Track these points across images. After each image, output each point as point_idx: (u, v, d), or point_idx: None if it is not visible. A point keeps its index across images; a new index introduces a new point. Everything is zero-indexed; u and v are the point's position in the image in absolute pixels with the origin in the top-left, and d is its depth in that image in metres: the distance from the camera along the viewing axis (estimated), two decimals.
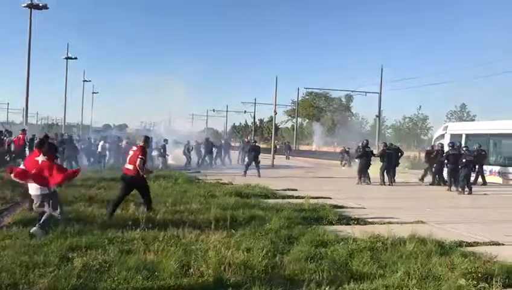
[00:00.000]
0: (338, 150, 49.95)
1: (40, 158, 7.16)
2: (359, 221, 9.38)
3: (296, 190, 14.77)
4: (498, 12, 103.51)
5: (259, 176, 19.71)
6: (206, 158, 27.12)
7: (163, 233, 6.99)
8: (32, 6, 36.63)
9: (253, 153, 21.48)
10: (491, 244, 7.68)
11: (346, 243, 6.57)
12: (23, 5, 36.84)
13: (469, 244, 7.50)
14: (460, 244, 7.39)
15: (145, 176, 9.21)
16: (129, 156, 9.21)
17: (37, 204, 7.31)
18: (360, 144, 20.11)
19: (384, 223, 9.29)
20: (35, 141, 24.52)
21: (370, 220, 9.59)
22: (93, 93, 70.39)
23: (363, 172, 19.08)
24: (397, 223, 9.43)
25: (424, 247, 6.57)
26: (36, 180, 6.94)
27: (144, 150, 9.14)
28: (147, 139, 9.75)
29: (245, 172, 20.31)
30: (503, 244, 7.73)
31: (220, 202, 10.51)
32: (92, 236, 6.74)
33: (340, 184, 18.64)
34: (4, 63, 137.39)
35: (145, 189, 9.33)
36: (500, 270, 5.34)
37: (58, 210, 7.24)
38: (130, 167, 8.99)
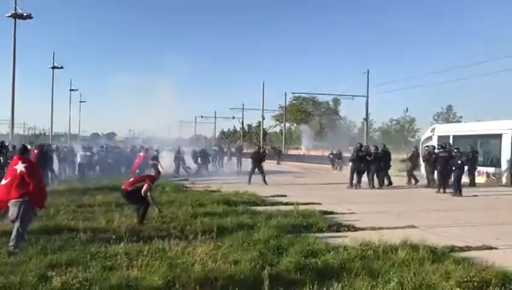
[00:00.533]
0: (326, 153, 50.00)
1: (19, 166, 6.79)
2: (349, 227, 9.22)
3: (286, 196, 14.60)
4: (484, 11, 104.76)
5: (265, 183, 19.09)
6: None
7: (148, 246, 6.75)
8: (16, 16, 36.17)
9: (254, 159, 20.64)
10: (483, 249, 7.55)
11: (337, 252, 6.39)
12: (7, 15, 36.38)
13: (461, 249, 7.37)
14: (452, 249, 7.25)
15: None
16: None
17: (14, 214, 6.84)
18: (354, 148, 19.97)
19: (375, 229, 9.14)
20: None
21: (361, 226, 9.44)
22: (80, 102, 69.71)
23: (359, 176, 18.86)
24: (388, 228, 9.29)
25: (416, 254, 6.41)
26: (10, 193, 6.59)
27: (153, 178, 9.70)
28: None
29: (249, 180, 19.62)
30: (496, 248, 7.62)
31: (207, 210, 10.31)
32: (74, 251, 6.48)
33: (329, 189, 18.51)
34: None
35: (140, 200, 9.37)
36: (496, 277, 5.20)
37: (20, 231, 6.72)
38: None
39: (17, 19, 35.81)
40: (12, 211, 6.79)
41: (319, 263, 5.86)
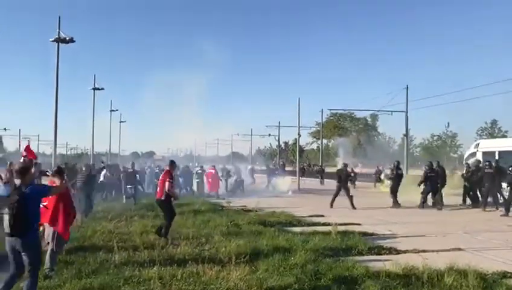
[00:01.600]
0: (365, 170, 48.85)
1: None
2: (391, 250, 8.80)
3: (323, 216, 14.25)
4: None
5: (353, 207, 17.13)
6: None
7: (182, 270, 6.60)
8: (59, 41, 37.63)
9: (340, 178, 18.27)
10: None
11: (378, 279, 6.04)
12: (50, 40, 37.90)
13: None
14: (504, 275, 6.75)
15: (173, 199, 10.25)
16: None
17: (49, 237, 6.84)
18: (392, 165, 19.27)
19: (418, 252, 8.71)
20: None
21: (403, 248, 8.99)
22: (120, 122, 71.36)
23: (395, 194, 18.20)
24: (432, 251, 8.82)
25: (465, 280, 5.98)
26: (44, 217, 6.57)
27: (170, 174, 10.25)
28: (173, 164, 11.03)
29: (331, 204, 17.32)
30: None
31: (243, 231, 10.11)
32: (108, 275, 6.41)
33: (370, 209, 17.91)
34: (33, 95, 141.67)
35: (168, 213, 10.00)
36: None
37: (54, 254, 6.68)
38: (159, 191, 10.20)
39: (60, 43, 37.30)
40: (47, 232, 6.83)
41: None
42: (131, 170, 20.25)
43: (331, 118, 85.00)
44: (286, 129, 72.87)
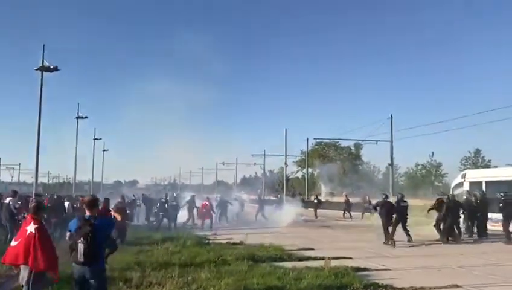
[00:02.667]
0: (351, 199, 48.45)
1: (30, 227, 6.22)
2: (387, 288, 8.40)
3: (313, 249, 13.85)
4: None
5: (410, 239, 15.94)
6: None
7: None
8: (43, 69, 37.27)
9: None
10: None
11: None
12: (35, 68, 37.50)
13: None
14: None
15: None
16: None
17: (24, 279, 6.27)
18: (384, 196, 17.60)
19: (415, 289, 8.35)
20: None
21: (399, 285, 8.60)
22: (103, 150, 70.44)
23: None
24: (429, 288, 8.47)
25: None
26: (18, 257, 6.06)
27: None
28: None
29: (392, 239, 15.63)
30: None
31: (231, 269, 9.62)
32: None
33: (358, 240, 17.56)
34: (15, 124, 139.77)
35: None
36: None
37: None
38: None
39: (44, 72, 36.93)
40: (23, 275, 6.27)
41: None
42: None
43: (316, 147, 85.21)
44: (272, 158, 72.66)
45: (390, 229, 16.04)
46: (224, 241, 15.53)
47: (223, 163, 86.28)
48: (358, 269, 10.17)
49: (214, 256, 11.22)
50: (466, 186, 22.86)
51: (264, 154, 73.18)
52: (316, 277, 8.81)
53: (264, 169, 78.37)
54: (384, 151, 51.14)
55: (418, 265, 11.36)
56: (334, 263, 10.38)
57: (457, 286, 8.70)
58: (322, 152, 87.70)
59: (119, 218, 6.65)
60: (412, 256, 13.07)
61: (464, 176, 24.54)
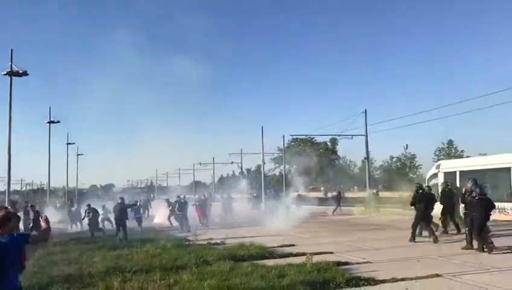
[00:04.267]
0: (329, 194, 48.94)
1: None
2: (369, 281, 8.43)
3: (294, 245, 13.85)
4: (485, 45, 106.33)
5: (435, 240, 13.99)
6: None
7: None
8: (12, 74, 36.35)
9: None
10: None
11: None
12: (2, 73, 36.54)
13: None
14: None
15: None
16: None
17: None
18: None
19: (397, 280, 8.46)
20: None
21: (381, 277, 8.66)
22: (77, 155, 69.12)
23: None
24: (411, 278, 8.57)
25: None
26: None
27: None
28: None
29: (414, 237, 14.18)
30: None
31: (213, 269, 9.54)
32: None
33: (337, 234, 17.70)
34: None
35: None
36: None
37: None
38: None
39: (13, 77, 36.06)
40: None
41: None
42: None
43: (292, 143, 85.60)
44: (249, 156, 72.59)
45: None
46: (204, 242, 15.41)
47: (200, 163, 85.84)
48: (339, 263, 10.22)
49: (195, 258, 11.11)
50: (440, 177, 23.36)
51: (241, 153, 73.20)
52: (299, 273, 8.82)
53: (241, 167, 78.31)
54: (359, 145, 51.82)
55: (398, 257, 11.51)
56: (315, 258, 10.39)
57: (438, 275, 8.84)
58: (298, 148, 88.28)
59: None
60: (390, 248, 13.21)
61: (438, 167, 25.06)
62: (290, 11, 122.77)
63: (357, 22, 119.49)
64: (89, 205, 22.34)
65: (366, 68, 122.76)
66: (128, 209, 20.83)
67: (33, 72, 37.69)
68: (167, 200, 25.51)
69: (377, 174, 72.74)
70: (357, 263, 10.54)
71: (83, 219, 22.95)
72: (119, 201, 19.92)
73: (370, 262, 10.71)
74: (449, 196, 16.61)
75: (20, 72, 37.48)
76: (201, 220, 24.22)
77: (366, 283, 8.30)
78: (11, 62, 36.34)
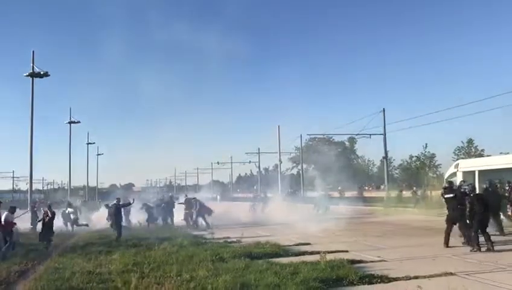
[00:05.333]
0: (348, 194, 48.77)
1: None
2: (383, 278, 8.52)
3: (310, 244, 13.97)
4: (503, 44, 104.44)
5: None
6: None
7: None
8: (34, 75, 37.28)
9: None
10: None
11: None
12: (25, 74, 37.50)
13: None
14: None
15: None
16: None
17: None
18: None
19: (410, 278, 8.53)
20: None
21: (394, 275, 8.74)
22: (97, 155, 70.42)
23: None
24: (424, 276, 8.62)
25: None
26: None
27: None
28: None
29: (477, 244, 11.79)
30: None
31: (229, 266, 9.73)
32: None
33: (357, 235, 17.69)
34: (8, 131, 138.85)
35: None
36: None
37: None
38: None
39: (34, 78, 36.97)
40: None
41: None
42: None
43: (310, 142, 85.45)
44: (266, 156, 72.83)
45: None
46: (221, 241, 15.63)
47: (218, 163, 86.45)
48: (353, 262, 10.31)
49: (210, 255, 11.32)
50: (459, 176, 23.11)
51: (259, 152, 73.45)
52: (312, 270, 8.94)
53: (259, 167, 78.50)
54: (378, 144, 51.67)
55: (413, 255, 11.51)
56: (330, 256, 10.49)
57: (451, 274, 8.86)
58: (316, 148, 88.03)
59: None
60: (407, 246, 13.22)
61: (457, 166, 24.79)
62: (303, 4, 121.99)
63: (374, 19, 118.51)
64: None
65: (385, 66, 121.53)
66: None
67: (52, 70, 38.47)
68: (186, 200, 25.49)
69: (396, 173, 72.14)
70: (372, 261, 10.60)
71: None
72: (115, 201, 19.33)
73: (385, 260, 10.76)
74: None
75: (41, 73, 38.47)
76: (188, 221, 23.43)
77: (379, 281, 8.39)
78: (33, 63, 37.26)
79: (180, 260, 10.78)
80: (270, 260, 10.77)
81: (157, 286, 8.13)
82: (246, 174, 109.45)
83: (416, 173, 62.73)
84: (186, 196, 26.56)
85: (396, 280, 8.44)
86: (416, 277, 8.59)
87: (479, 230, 11.94)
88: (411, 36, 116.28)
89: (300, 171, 70.09)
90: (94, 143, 64.72)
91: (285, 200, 37.24)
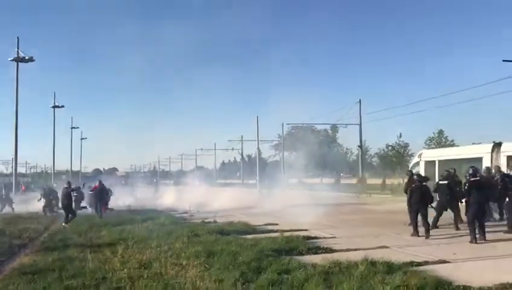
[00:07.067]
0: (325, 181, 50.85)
1: None
2: (327, 250, 10.33)
3: (277, 224, 15.67)
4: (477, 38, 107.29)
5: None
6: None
7: (148, 271, 7.96)
8: (18, 60, 38.18)
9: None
10: (438, 263, 8.71)
11: (306, 270, 7.57)
12: (10, 59, 38.35)
13: (419, 264, 8.51)
14: (411, 264, 8.39)
15: None
16: None
17: None
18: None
19: (350, 250, 10.28)
20: None
21: (338, 248, 10.56)
22: (81, 139, 71.43)
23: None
24: (363, 249, 10.37)
25: (375, 268, 7.59)
26: None
27: None
28: None
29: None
30: (449, 262, 8.80)
31: (201, 240, 11.48)
32: (85, 277, 7.69)
33: (320, 216, 19.45)
34: None
35: None
36: (428, 285, 6.40)
37: None
38: None
39: (19, 63, 37.91)
40: None
41: (289, 278, 7.03)
42: None
43: (293, 131, 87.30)
44: (251, 143, 74.54)
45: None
46: (199, 221, 17.36)
47: (201, 149, 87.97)
48: (309, 238, 12.11)
49: (187, 231, 13.05)
50: (422, 166, 25.06)
51: (242, 140, 75.17)
52: (270, 243, 10.73)
53: (242, 154, 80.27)
54: (357, 133, 53.74)
55: (363, 233, 13.35)
56: (290, 233, 12.23)
57: (385, 247, 10.70)
58: (298, 136, 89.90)
59: None
60: (362, 227, 15.02)
61: (420, 155, 26.74)
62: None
63: (352, 9, 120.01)
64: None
65: (364, 58, 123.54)
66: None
67: (36, 56, 39.33)
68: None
69: (373, 162, 74.44)
70: (324, 238, 12.43)
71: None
72: (66, 186, 19.14)
73: (335, 237, 12.58)
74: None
75: (26, 58, 39.32)
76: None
77: (323, 251, 10.19)
78: (18, 48, 38.10)
79: (160, 236, 12.48)
80: (238, 236, 12.52)
81: (139, 254, 9.83)
82: (229, 160, 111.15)
83: (393, 161, 65.06)
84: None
85: (338, 251, 10.21)
86: (356, 249, 10.37)
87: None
88: (391, 28, 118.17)
89: (282, 159, 72.01)
90: (78, 128, 65.62)
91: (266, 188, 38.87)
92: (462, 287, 6.53)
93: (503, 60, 27.85)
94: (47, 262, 9.27)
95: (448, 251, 10.08)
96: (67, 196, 18.53)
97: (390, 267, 7.73)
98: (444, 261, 8.82)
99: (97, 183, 22.96)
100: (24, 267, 8.98)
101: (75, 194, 20.16)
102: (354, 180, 57.52)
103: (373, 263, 7.92)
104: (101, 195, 21.18)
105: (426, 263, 8.68)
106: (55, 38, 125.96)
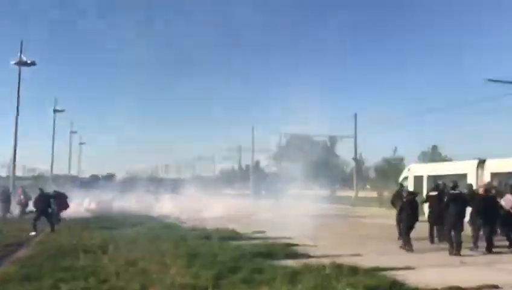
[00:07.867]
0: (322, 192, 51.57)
1: None
2: (304, 255, 11.04)
3: (264, 232, 16.30)
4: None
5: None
6: None
7: (134, 268, 8.74)
8: (21, 64, 38.89)
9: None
10: (404, 269, 9.40)
11: (276, 269, 8.33)
12: (12, 63, 39.06)
13: (384, 269, 9.22)
14: (375, 269, 9.10)
15: None
16: None
17: None
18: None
19: (326, 257, 10.91)
20: None
21: (314, 254, 11.24)
22: (80, 144, 72.29)
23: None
24: (338, 255, 10.96)
25: (340, 270, 8.36)
26: None
27: None
28: None
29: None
30: (414, 268, 9.54)
31: (188, 243, 12.23)
32: (76, 271, 8.46)
33: (308, 226, 20.01)
34: None
35: None
36: (383, 285, 7.16)
37: None
38: None
39: (21, 66, 38.61)
40: None
41: (259, 277, 7.79)
42: None
43: (291, 141, 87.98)
44: (248, 152, 75.32)
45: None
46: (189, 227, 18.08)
47: (199, 158, 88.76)
48: (291, 245, 12.78)
49: (176, 235, 13.79)
50: (411, 180, 25.74)
51: (240, 150, 75.95)
52: (252, 247, 11.47)
53: (239, 163, 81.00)
54: (353, 146, 54.55)
55: (344, 243, 13.98)
56: (274, 241, 12.97)
57: (359, 255, 11.40)
58: (296, 146, 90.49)
59: None
60: (347, 237, 15.68)
61: (409, 170, 27.50)
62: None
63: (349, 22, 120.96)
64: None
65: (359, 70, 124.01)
66: None
67: (37, 60, 40.06)
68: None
69: (371, 174, 75.30)
70: (305, 245, 13.07)
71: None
72: (39, 192, 18.42)
73: (316, 246, 13.22)
74: None
75: (29, 62, 40.04)
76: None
77: (300, 257, 10.89)
78: (20, 52, 38.81)
79: (149, 239, 13.23)
80: (223, 241, 13.23)
81: (129, 254, 10.58)
82: (230, 168, 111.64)
83: (391, 175, 65.72)
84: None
85: (314, 257, 10.86)
86: (332, 256, 10.96)
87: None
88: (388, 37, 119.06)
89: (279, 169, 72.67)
90: (76, 132, 66.33)
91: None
92: (412, 287, 7.28)
93: (489, 80, 28.47)
94: None
95: (421, 260, 10.80)
96: (43, 201, 17.74)
97: (354, 271, 8.47)
98: (409, 268, 9.53)
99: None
100: None
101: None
102: (350, 192, 58.28)
103: (339, 266, 8.65)
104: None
105: (392, 269, 9.36)
106: (56, 42, 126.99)
